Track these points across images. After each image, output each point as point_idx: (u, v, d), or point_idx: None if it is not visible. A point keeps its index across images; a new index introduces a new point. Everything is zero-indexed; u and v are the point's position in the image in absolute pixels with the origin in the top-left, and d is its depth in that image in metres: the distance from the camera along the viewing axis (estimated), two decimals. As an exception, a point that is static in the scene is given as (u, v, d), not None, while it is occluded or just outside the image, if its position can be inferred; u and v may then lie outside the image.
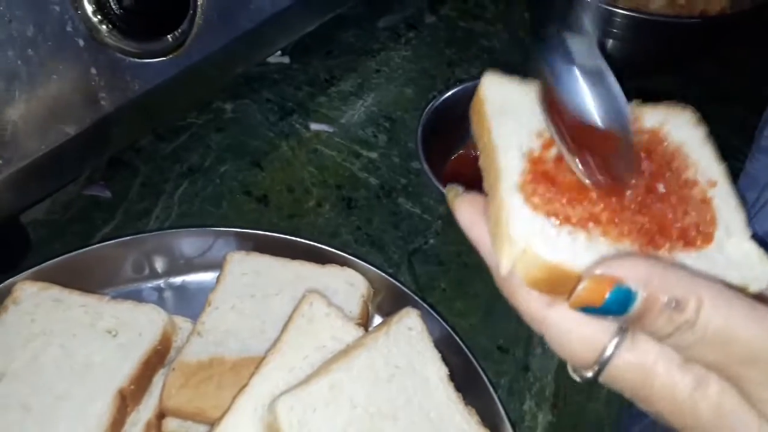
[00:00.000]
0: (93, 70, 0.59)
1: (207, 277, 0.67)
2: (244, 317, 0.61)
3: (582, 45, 0.40)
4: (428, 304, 0.63)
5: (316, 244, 0.66)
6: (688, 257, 0.32)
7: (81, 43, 0.58)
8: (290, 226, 0.76)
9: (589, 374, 0.32)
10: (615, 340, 0.31)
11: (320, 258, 0.65)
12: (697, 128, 0.38)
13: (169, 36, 0.64)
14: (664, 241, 0.32)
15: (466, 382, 0.58)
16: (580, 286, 0.29)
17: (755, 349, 0.28)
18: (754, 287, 0.32)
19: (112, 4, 0.59)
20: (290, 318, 0.59)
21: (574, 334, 0.32)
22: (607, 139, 0.34)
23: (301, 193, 0.80)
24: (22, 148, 0.57)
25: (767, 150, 0.63)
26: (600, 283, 0.29)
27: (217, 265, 0.65)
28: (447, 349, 0.59)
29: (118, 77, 0.61)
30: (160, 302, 0.66)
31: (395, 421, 0.53)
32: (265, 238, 0.67)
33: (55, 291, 0.61)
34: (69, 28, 0.57)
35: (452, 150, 0.79)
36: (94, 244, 0.66)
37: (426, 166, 0.71)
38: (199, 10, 0.64)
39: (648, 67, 0.93)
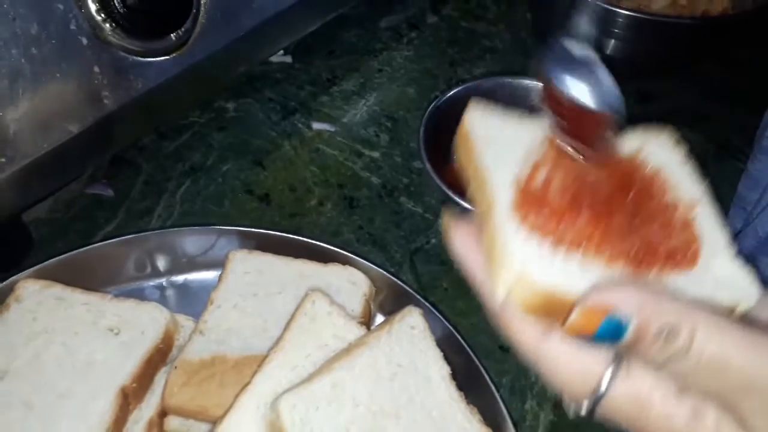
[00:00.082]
0: (96, 69, 0.59)
1: (209, 275, 0.67)
2: (247, 316, 0.61)
3: (577, 44, 0.45)
4: (430, 303, 0.63)
5: (318, 242, 0.66)
6: (677, 279, 0.33)
7: (84, 41, 0.58)
8: (292, 224, 0.76)
9: (584, 408, 0.32)
10: (610, 371, 0.31)
11: (322, 257, 0.65)
12: (676, 150, 0.39)
13: (172, 35, 0.64)
14: (652, 264, 0.33)
15: (468, 381, 0.58)
16: (574, 315, 0.30)
17: (750, 376, 0.28)
18: (743, 306, 0.32)
19: (115, 2, 0.59)
20: (292, 316, 0.59)
21: (568, 366, 0.32)
22: (600, 120, 0.38)
23: (303, 192, 0.80)
24: (25, 147, 0.57)
25: (768, 151, 0.63)
26: (593, 312, 0.29)
27: (220, 264, 0.65)
28: (449, 348, 0.59)
29: (122, 76, 0.61)
30: (163, 300, 0.66)
31: (397, 420, 0.53)
32: (267, 236, 0.67)
33: (58, 289, 0.61)
34: (73, 27, 0.57)
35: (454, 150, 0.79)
36: (97, 242, 0.66)
37: (428, 166, 0.71)
38: (202, 9, 0.64)
39: (650, 68, 0.93)
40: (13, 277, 0.61)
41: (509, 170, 0.35)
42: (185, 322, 0.63)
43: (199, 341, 0.59)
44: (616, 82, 0.45)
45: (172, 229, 0.68)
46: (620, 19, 0.82)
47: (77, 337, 0.58)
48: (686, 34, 0.86)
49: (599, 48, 0.90)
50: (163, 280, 0.68)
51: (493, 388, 0.58)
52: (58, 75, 0.57)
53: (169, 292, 0.67)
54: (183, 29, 0.64)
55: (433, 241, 0.76)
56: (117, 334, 0.59)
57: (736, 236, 0.63)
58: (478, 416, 0.56)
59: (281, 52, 0.93)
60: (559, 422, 0.63)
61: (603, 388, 0.31)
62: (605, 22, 0.84)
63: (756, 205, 0.62)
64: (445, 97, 0.76)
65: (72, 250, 0.64)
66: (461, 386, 0.57)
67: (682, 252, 0.33)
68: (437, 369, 0.57)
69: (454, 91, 0.77)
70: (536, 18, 1.00)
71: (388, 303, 0.66)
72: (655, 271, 0.33)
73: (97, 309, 0.60)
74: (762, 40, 0.95)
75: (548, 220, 0.33)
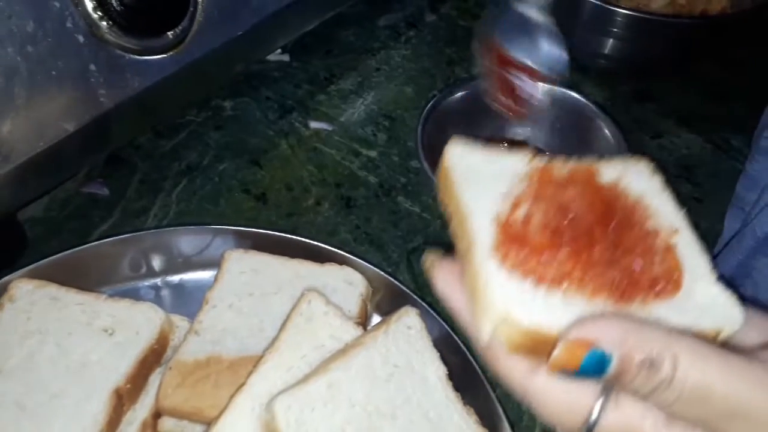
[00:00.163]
0: (92, 67, 0.59)
1: (205, 275, 0.67)
2: (242, 316, 0.61)
3: (534, 8, 0.53)
4: (427, 302, 0.62)
5: (314, 242, 0.66)
6: (660, 307, 0.33)
7: (81, 39, 0.58)
8: (289, 224, 0.76)
9: None
10: (600, 402, 0.32)
11: (319, 256, 0.65)
12: (654, 177, 0.39)
13: (169, 33, 0.63)
14: (635, 293, 0.33)
15: (464, 382, 0.58)
16: (556, 351, 0.30)
17: (733, 403, 0.29)
18: (727, 330, 0.32)
19: (112, 0, 0.59)
20: (288, 317, 0.58)
21: (558, 400, 0.32)
22: (532, 73, 0.48)
23: (300, 191, 0.79)
24: (20, 145, 0.57)
25: (766, 151, 0.63)
26: (575, 347, 0.29)
27: (215, 264, 0.65)
28: (446, 348, 0.59)
29: (118, 74, 0.61)
30: (158, 301, 0.65)
31: (394, 421, 0.53)
32: (264, 236, 0.66)
33: (52, 289, 0.60)
34: (69, 25, 0.56)
35: (452, 149, 0.79)
36: (92, 241, 0.66)
37: (426, 165, 0.71)
38: (199, 7, 0.63)
39: (648, 67, 0.93)
40: (7, 277, 0.61)
41: (489, 207, 0.35)
42: (180, 322, 0.62)
43: (194, 342, 0.59)
44: (564, 47, 0.54)
45: (167, 229, 0.67)
46: (619, 19, 0.82)
47: (71, 337, 0.58)
48: (685, 34, 0.86)
49: (598, 47, 0.91)
50: (158, 280, 0.67)
51: (490, 388, 0.58)
52: (54, 73, 0.57)
53: (165, 292, 0.67)
54: (180, 27, 0.64)
55: (431, 240, 0.76)
56: (111, 334, 0.58)
57: (734, 236, 0.63)
58: (474, 417, 0.56)
59: (279, 50, 0.92)
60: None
61: (593, 419, 0.32)
62: (604, 21, 0.84)
63: (754, 206, 0.62)
64: (442, 96, 0.76)
65: (67, 250, 0.63)
66: (458, 387, 0.57)
67: (665, 280, 0.34)
68: (434, 369, 0.57)
69: (452, 90, 0.77)
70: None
71: (384, 303, 0.65)
72: (638, 301, 0.33)
73: (92, 309, 0.60)
74: (761, 39, 0.94)
75: (529, 258, 0.33)
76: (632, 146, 0.75)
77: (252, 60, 0.86)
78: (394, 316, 0.58)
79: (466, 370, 0.59)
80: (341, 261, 0.65)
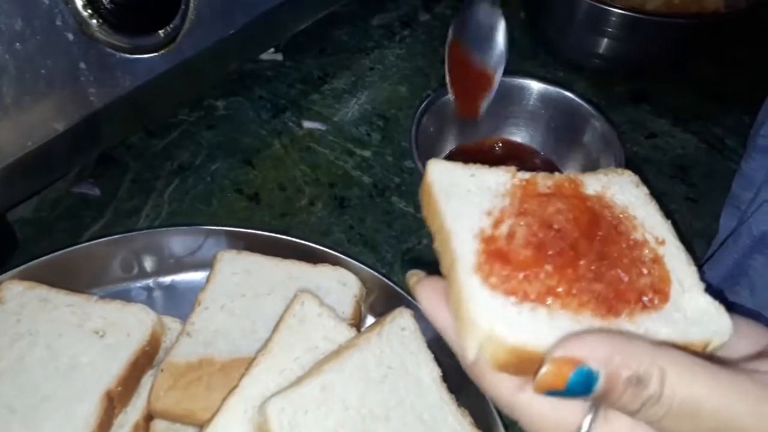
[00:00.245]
0: (82, 65, 0.59)
1: (197, 276, 0.66)
2: (235, 317, 0.60)
3: (488, 8, 0.60)
4: (421, 304, 0.62)
5: (308, 243, 0.65)
6: (648, 319, 0.32)
7: (70, 37, 0.57)
8: (282, 224, 0.75)
9: None
10: (588, 419, 0.31)
11: (312, 257, 0.65)
12: (640, 188, 0.39)
13: (160, 31, 0.63)
14: (623, 306, 0.33)
15: (459, 384, 0.57)
16: (542, 371, 0.29)
17: (722, 418, 0.28)
18: (716, 342, 0.32)
19: (102, -2, 0.58)
20: (281, 318, 0.58)
21: (546, 417, 0.32)
22: (482, 71, 0.58)
23: (294, 191, 0.79)
24: (9, 145, 0.56)
25: (762, 149, 0.63)
26: (561, 367, 0.29)
27: (208, 265, 0.65)
28: (440, 349, 0.58)
29: (108, 73, 0.61)
30: (149, 302, 0.65)
31: (387, 423, 0.53)
32: (256, 236, 0.66)
33: (42, 290, 0.60)
34: (58, 23, 0.56)
35: (446, 148, 0.78)
36: (83, 242, 0.65)
37: (420, 165, 0.70)
38: (191, 5, 0.63)
39: (643, 67, 0.93)
40: (-3, 278, 0.60)
41: (472, 224, 0.35)
42: (172, 324, 0.62)
43: (186, 343, 0.58)
44: (507, 42, 0.64)
45: (159, 229, 0.67)
46: (614, 18, 0.82)
47: (62, 339, 0.57)
48: (680, 34, 0.86)
49: (593, 47, 0.91)
50: (150, 281, 0.67)
51: (485, 390, 0.57)
52: (43, 72, 0.56)
53: (156, 294, 0.66)
54: (171, 26, 0.63)
55: (425, 241, 0.75)
56: (102, 336, 0.58)
57: (731, 235, 0.63)
58: (469, 418, 0.55)
59: (272, 49, 0.92)
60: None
61: None
62: (599, 21, 0.84)
63: (750, 204, 0.62)
64: (437, 96, 0.75)
65: (57, 251, 0.63)
66: (452, 388, 0.56)
67: (652, 291, 0.33)
68: (428, 371, 0.56)
69: (447, 90, 0.77)
70: (529, 16, 0.99)
71: (378, 304, 0.65)
72: (625, 314, 0.32)
73: (83, 311, 0.59)
74: (756, 39, 0.95)
75: (513, 275, 0.33)
76: (627, 146, 0.75)
77: (245, 59, 0.86)
78: (388, 318, 0.58)
79: (461, 372, 0.58)
80: (335, 262, 0.64)
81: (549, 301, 0.32)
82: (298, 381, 0.53)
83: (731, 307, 0.34)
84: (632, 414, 0.30)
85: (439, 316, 0.35)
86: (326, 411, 0.51)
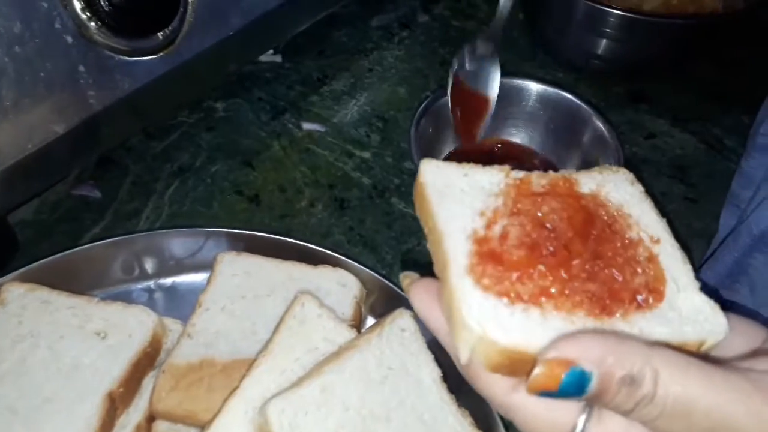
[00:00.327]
0: (82, 68, 0.59)
1: (197, 278, 0.67)
2: (235, 319, 0.61)
3: (484, 42, 0.72)
4: (421, 305, 0.62)
5: (308, 244, 0.66)
6: (643, 318, 0.32)
7: (69, 40, 0.57)
8: (282, 226, 0.76)
9: None
10: (582, 418, 0.31)
11: (312, 259, 0.65)
12: (635, 186, 0.38)
13: (159, 34, 0.63)
14: (617, 305, 0.32)
15: (459, 384, 0.57)
16: (535, 372, 0.29)
17: (716, 417, 0.28)
18: (711, 341, 0.32)
19: (101, 0, 0.58)
20: (282, 319, 0.58)
21: (540, 418, 0.32)
22: (480, 100, 0.69)
23: (293, 193, 0.79)
24: (9, 147, 0.56)
25: (762, 147, 0.63)
26: (554, 368, 0.29)
27: (208, 266, 0.65)
28: (440, 350, 0.58)
29: (108, 75, 0.61)
30: (150, 304, 0.65)
31: (388, 423, 0.53)
32: (257, 238, 0.66)
33: (43, 292, 0.60)
34: (57, 25, 0.56)
35: (445, 149, 0.78)
36: (83, 244, 0.65)
37: (419, 166, 0.70)
38: (189, 7, 0.63)
39: (642, 67, 0.93)
40: (-2, 280, 0.60)
41: (465, 225, 0.35)
42: (173, 325, 0.62)
43: (187, 345, 0.59)
44: (500, 74, 0.73)
45: (159, 231, 0.67)
46: (612, 19, 0.82)
47: (63, 340, 0.57)
48: (678, 34, 0.86)
49: (591, 48, 0.91)
50: (150, 283, 0.67)
51: (485, 390, 0.58)
52: (42, 74, 0.56)
53: (157, 295, 0.66)
54: (170, 28, 0.63)
55: (425, 242, 0.75)
56: (104, 337, 0.58)
57: (730, 234, 0.63)
58: (469, 419, 0.55)
59: (271, 51, 0.92)
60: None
61: None
62: (598, 21, 0.84)
63: (750, 203, 0.62)
64: (436, 97, 0.76)
65: (58, 253, 0.63)
66: (453, 389, 0.56)
67: (647, 290, 0.33)
68: (428, 372, 0.56)
69: (446, 91, 0.77)
70: (528, 17, 1.00)
71: (378, 305, 0.65)
72: (620, 313, 0.32)
73: (84, 312, 0.59)
74: (754, 39, 0.95)
75: (505, 276, 0.33)
76: (626, 147, 0.75)
77: (244, 61, 0.86)
78: (388, 319, 0.58)
79: (461, 373, 0.59)
80: (335, 263, 0.64)
81: (542, 301, 0.32)
82: (299, 382, 0.53)
83: (729, 306, 0.34)
84: (626, 414, 0.30)
85: (431, 317, 0.35)
86: (327, 412, 0.51)
